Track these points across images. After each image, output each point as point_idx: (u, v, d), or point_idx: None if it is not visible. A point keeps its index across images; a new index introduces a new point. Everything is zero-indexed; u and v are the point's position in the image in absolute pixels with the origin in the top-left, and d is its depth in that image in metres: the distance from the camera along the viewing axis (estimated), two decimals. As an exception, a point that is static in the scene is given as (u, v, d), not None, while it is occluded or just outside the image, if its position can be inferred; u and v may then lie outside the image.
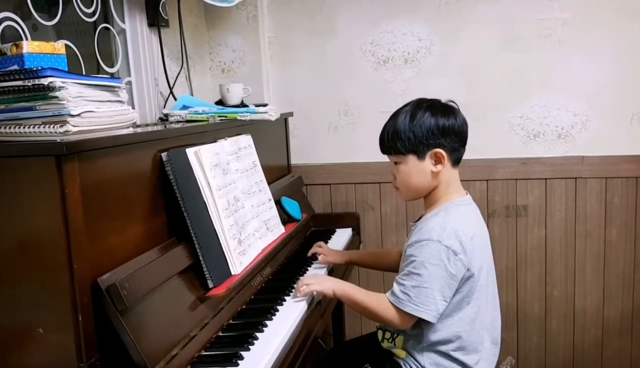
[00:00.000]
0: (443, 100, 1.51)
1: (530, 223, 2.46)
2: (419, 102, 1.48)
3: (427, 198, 1.52)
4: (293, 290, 1.60)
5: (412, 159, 1.45)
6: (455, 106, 1.50)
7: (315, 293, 1.56)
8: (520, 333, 2.53)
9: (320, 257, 1.85)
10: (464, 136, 1.48)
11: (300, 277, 1.64)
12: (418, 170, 1.46)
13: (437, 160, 1.44)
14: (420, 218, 1.56)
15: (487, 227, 2.39)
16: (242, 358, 1.23)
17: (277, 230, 1.84)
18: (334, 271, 1.86)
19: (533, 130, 2.41)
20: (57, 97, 1.11)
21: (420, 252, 1.39)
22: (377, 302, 1.45)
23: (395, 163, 1.49)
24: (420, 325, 1.44)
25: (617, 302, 2.43)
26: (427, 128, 1.42)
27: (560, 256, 2.45)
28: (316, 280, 1.56)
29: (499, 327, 1.55)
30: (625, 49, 2.29)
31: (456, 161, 1.48)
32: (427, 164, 1.45)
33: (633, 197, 2.36)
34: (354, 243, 2.29)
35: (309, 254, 1.89)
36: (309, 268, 1.84)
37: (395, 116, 1.48)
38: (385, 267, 1.85)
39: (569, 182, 2.40)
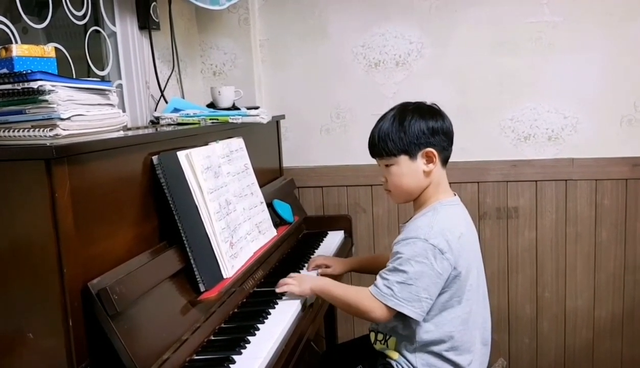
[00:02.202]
0: (427, 102, 1.53)
1: (521, 225, 2.47)
2: (405, 106, 1.52)
3: (417, 199, 1.53)
4: (285, 294, 1.60)
5: (404, 160, 1.47)
6: (439, 107, 1.53)
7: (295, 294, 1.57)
8: (512, 334, 2.54)
9: (321, 270, 1.84)
10: (451, 135, 1.51)
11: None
12: (410, 170, 1.47)
13: (429, 159, 1.47)
14: (410, 219, 1.56)
15: (478, 229, 2.42)
16: (234, 362, 1.23)
17: (269, 233, 1.84)
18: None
19: (523, 133, 2.43)
20: (46, 100, 1.10)
21: (407, 249, 1.41)
22: (356, 294, 1.47)
23: (387, 165, 1.51)
24: (412, 326, 1.44)
25: (608, 303, 2.45)
26: (418, 128, 1.45)
27: (550, 258, 2.46)
28: (296, 281, 1.58)
29: (489, 327, 1.56)
30: (615, 52, 2.31)
31: (445, 160, 1.51)
32: (419, 163, 1.47)
33: (623, 199, 2.37)
34: (346, 245, 2.29)
35: (310, 269, 1.85)
36: (301, 271, 1.84)
37: (382, 120, 1.51)
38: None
39: (559, 184, 2.42)
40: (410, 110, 1.48)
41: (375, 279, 1.46)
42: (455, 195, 1.54)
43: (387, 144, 1.47)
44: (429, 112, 1.49)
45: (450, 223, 1.44)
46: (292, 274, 1.64)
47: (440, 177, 1.50)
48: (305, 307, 1.57)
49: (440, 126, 1.47)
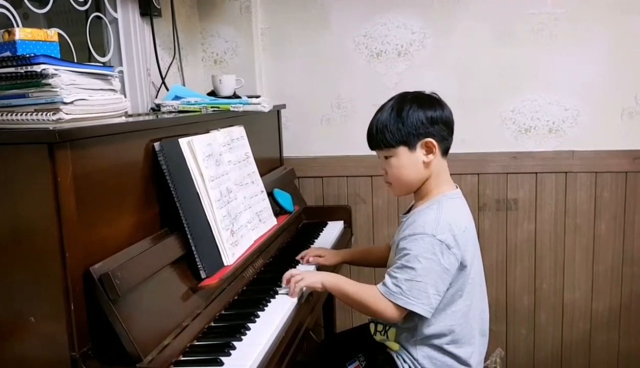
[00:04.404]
0: (426, 92, 1.51)
1: (520, 217, 2.47)
2: (404, 96, 1.49)
3: (418, 190, 1.52)
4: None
5: (403, 151, 1.45)
6: (438, 97, 1.51)
7: (304, 288, 1.53)
8: (510, 325, 2.55)
9: (312, 259, 1.80)
10: (451, 125, 1.49)
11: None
12: (410, 161, 1.46)
13: (428, 150, 1.45)
14: (409, 210, 1.56)
15: (477, 220, 2.44)
16: (234, 348, 1.23)
17: (269, 222, 1.84)
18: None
19: (524, 125, 2.43)
20: (50, 84, 1.10)
21: (415, 245, 1.39)
22: (368, 293, 1.43)
23: (386, 157, 1.49)
24: (414, 319, 1.43)
25: (606, 295, 2.46)
26: (416, 119, 1.43)
27: (549, 250, 2.47)
28: (305, 275, 1.54)
29: (487, 318, 1.56)
30: (617, 44, 2.31)
31: (445, 151, 1.49)
32: (419, 154, 1.45)
33: (622, 192, 2.38)
34: (346, 236, 2.29)
35: (304, 262, 1.81)
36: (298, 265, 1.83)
37: (380, 111, 1.49)
38: (374, 263, 1.85)
39: (559, 176, 2.42)
40: (408, 100, 1.46)
41: (384, 277, 1.43)
42: (457, 187, 1.53)
43: (385, 135, 1.45)
44: (428, 101, 1.46)
45: (456, 217, 1.43)
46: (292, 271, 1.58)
47: (441, 167, 1.49)
48: (302, 299, 1.56)
49: (440, 115, 1.45)
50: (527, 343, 2.55)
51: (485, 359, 1.59)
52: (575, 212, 2.43)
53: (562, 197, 2.43)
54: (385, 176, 1.53)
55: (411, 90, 1.54)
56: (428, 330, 1.44)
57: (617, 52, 2.31)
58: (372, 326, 1.58)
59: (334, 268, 1.85)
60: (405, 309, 1.38)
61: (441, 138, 1.46)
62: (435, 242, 1.37)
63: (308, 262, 1.80)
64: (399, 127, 1.44)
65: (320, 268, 1.80)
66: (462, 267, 1.41)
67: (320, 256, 1.82)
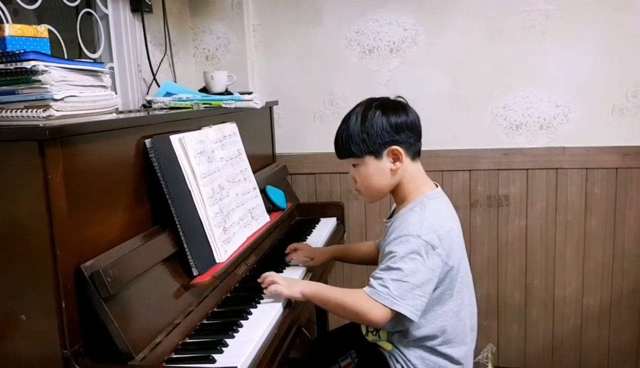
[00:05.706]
0: (392, 97, 1.51)
1: (511, 213, 2.48)
2: (369, 102, 1.48)
3: (396, 194, 1.51)
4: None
5: (370, 160, 1.44)
6: (405, 102, 1.50)
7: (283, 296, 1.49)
8: (501, 321, 2.56)
9: (302, 264, 1.77)
10: (418, 130, 1.47)
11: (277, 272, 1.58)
12: (377, 170, 1.45)
13: (395, 158, 1.44)
14: (392, 215, 1.55)
15: (469, 216, 2.45)
16: (226, 345, 1.23)
17: (262, 219, 1.84)
18: (312, 272, 1.79)
19: (515, 121, 2.43)
20: (40, 80, 1.10)
21: (400, 248, 1.37)
22: (352, 296, 1.39)
23: (354, 165, 1.48)
24: (404, 324, 1.42)
25: (596, 291, 2.47)
26: (380, 127, 1.42)
27: (540, 246, 2.48)
28: (286, 282, 1.49)
29: (476, 313, 1.56)
30: (608, 41, 2.32)
31: (415, 155, 1.48)
32: (386, 162, 1.44)
33: (613, 188, 2.39)
34: (338, 232, 2.29)
35: (290, 261, 1.77)
36: (287, 268, 1.78)
37: (346, 120, 1.48)
38: (363, 259, 1.83)
39: (550, 173, 2.43)
40: (372, 108, 1.45)
41: (369, 280, 1.40)
42: (437, 186, 1.52)
43: (351, 146, 1.44)
44: (392, 107, 1.45)
45: (440, 218, 1.42)
46: (274, 276, 1.53)
47: (414, 171, 1.47)
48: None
49: (404, 121, 1.43)
50: (518, 339, 2.57)
51: (477, 355, 1.59)
52: (566, 208, 2.44)
53: (553, 193, 2.44)
54: (354, 184, 1.52)
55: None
56: (419, 332, 1.43)
57: (608, 49, 2.32)
58: (363, 327, 1.57)
59: (324, 268, 1.85)
60: (391, 310, 1.35)
61: (408, 145, 1.44)
62: (420, 243, 1.36)
63: (296, 262, 1.77)
64: (363, 138, 1.43)
65: (310, 268, 1.79)
66: (448, 267, 1.40)
67: (310, 258, 1.79)
